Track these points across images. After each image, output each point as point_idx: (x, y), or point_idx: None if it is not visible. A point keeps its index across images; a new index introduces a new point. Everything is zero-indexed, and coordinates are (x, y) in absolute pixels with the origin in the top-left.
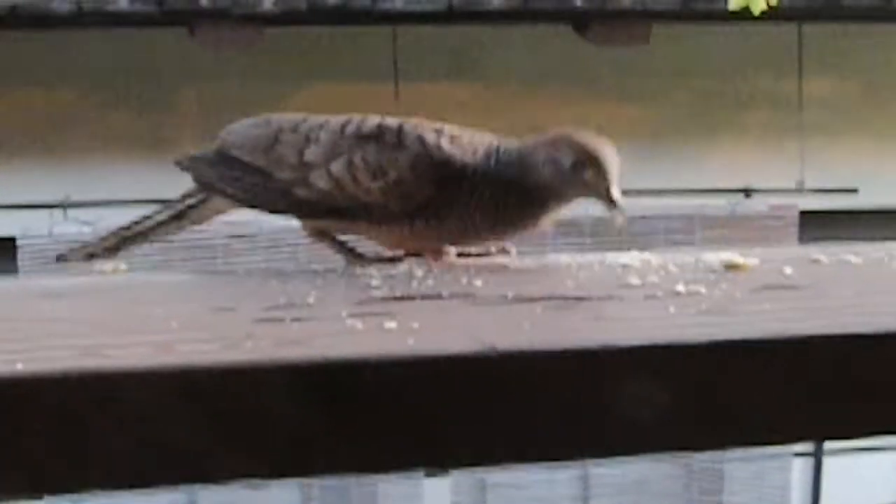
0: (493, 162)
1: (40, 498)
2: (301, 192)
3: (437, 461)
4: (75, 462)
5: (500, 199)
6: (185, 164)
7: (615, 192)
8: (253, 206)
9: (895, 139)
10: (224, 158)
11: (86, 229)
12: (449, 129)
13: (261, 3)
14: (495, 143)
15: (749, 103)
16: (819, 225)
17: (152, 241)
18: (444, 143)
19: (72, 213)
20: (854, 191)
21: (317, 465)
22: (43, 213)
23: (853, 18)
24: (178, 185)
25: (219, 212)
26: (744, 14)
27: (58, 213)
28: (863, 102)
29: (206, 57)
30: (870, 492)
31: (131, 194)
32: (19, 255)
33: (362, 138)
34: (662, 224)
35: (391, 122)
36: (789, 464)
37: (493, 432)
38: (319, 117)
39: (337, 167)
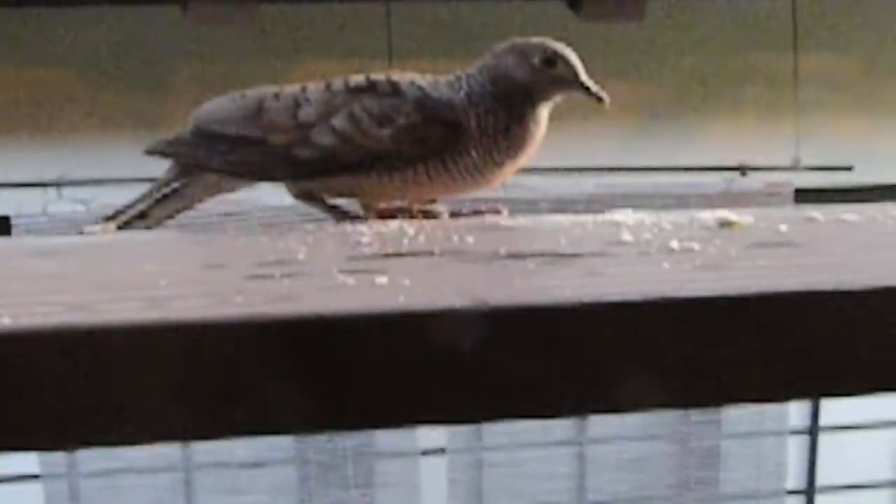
0: (478, 87)
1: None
2: (302, 152)
3: (429, 417)
4: (63, 419)
5: (492, 125)
6: (163, 149)
7: (587, 80)
8: (244, 177)
9: (890, 116)
10: (204, 136)
11: (80, 208)
12: (429, 75)
13: None
14: (466, 70)
15: (744, 80)
16: (814, 202)
17: (140, 227)
18: (438, 84)
19: (66, 191)
20: (849, 168)
21: (307, 420)
22: (37, 192)
23: None
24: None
25: (204, 195)
26: None
27: (52, 191)
28: (859, 79)
29: (200, 35)
30: (866, 469)
31: (126, 173)
32: (13, 234)
33: (355, 91)
34: (657, 202)
35: (376, 75)
36: (785, 441)
37: (485, 387)
38: (295, 85)
39: (339, 121)
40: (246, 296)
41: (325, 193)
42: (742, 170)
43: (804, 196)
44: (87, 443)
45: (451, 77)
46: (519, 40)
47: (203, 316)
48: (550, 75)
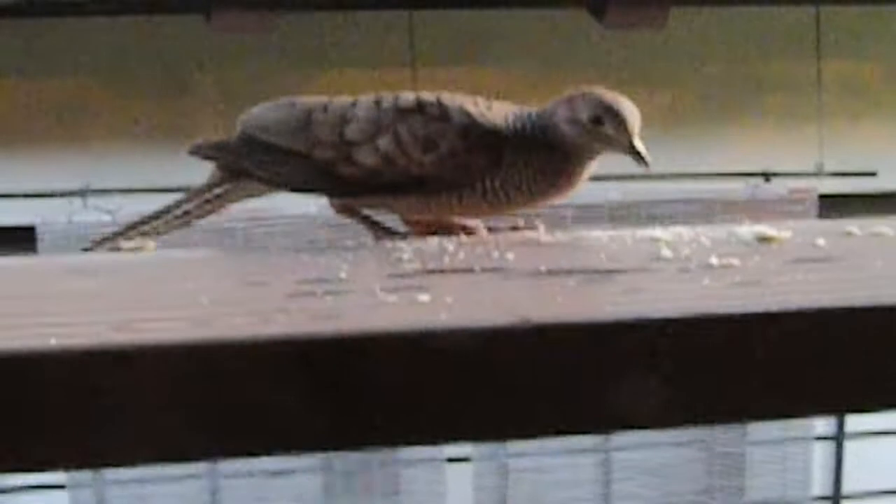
0: (526, 127)
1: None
2: (345, 170)
3: (471, 435)
4: (107, 437)
5: (533, 163)
6: (207, 152)
7: (637, 143)
8: (286, 188)
9: None
10: (250, 143)
11: (105, 217)
12: (482, 100)
13: None
14: (522, 109)
15: (767, 87)
16: (838, 208)
17: (178, 229)
18: (486, 112)
19: (91, 200)
20: (873, 174)
21: (352, 437)
22: (62, 202)
23: (871, 0)
24: (198, 172)
25: (241, 198)
26: None
27: (77, 201)
28: (881, 85)
29: (223, 43)
30: (892, 476)
31: (151, 182)
32: (39, 244)
33: (403, 112)
34: (681, 208)
35: (427, 95)
36: (811, 447)
37: (528, 405)
38: (345, 97)
39: (384, 142)
40: (289, 314)
41: (366, 209)
42: (766, 176)
43: (828, 202)
44: (129, 461)
45: (515, 108)
46: (576, 92)
47: (247, 335)
48: (597, 133)
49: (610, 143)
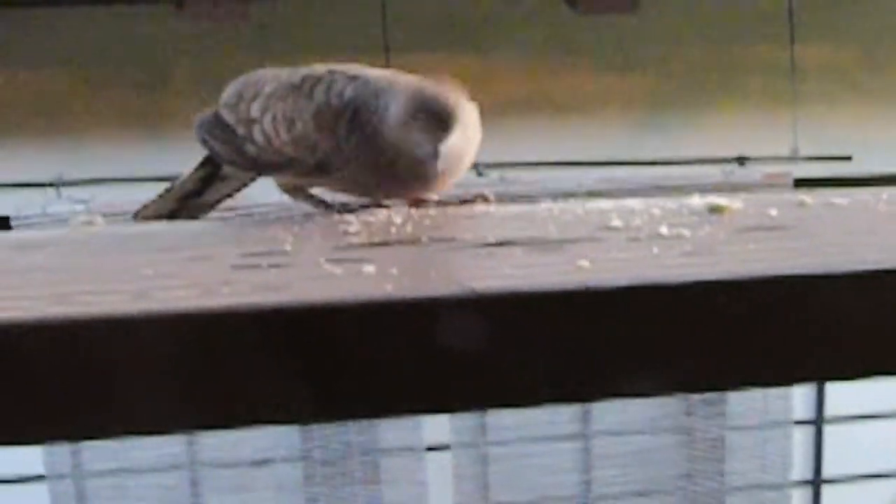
0: (384, 107)
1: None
2: (250, 148)
3: (417, 407)
4: (48, 411)
5: (378, 150)
6: (195, 131)
7: (441, 147)
8: (232, 166)
9: (889, 106)
10: (216, 118)
11: (79, 207)
12: (375, 74)
13: None
14: (395, 85)
15: (742, 71)
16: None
17: (200, 212)
18: (349, 91)
19: (65, 191)
20: (848, 158)
21: (293, 411)
22: (36, 192)
23: None
24: (172, 161)
25: (232, 182)
26: None
27: (51, 191)
28: (856, 69)
29: (196, 32)
30: (871, 460)
31: (125, 172)
32: None
33: (288, 89)
34: (656, 194)
35: (318, 70)
36: (790, 432)
37: (472, 377)
38: (284, 69)
39: (267, 121)
40: (232, 286)
41: (306, 185)
42: (741, 160)
43: (803, 186)
44: (73, 435)
45: (401, 80)
46: (420, 84)
47: (189, 307)
48: (410, 129)
49: (417, 141)
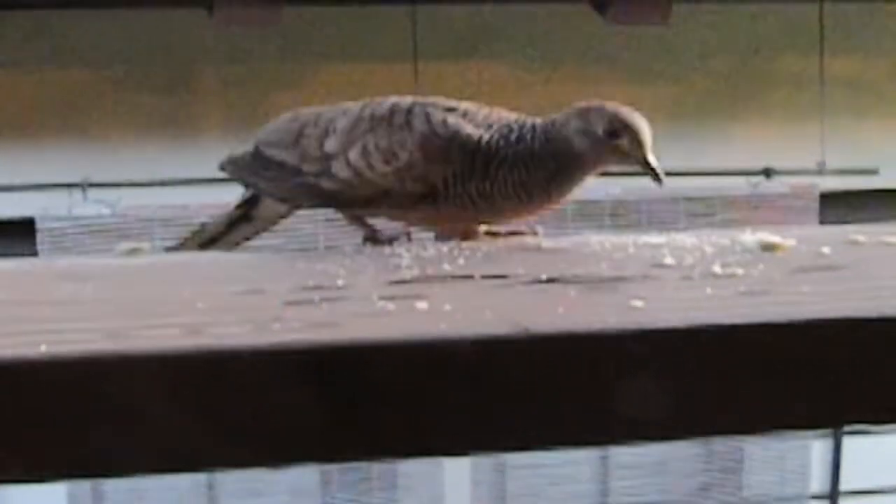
0: (513, 136)
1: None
2: (326, 184)
3: (471, 445)
4: (99, 447)
5: (524, 173)
6: (226, 168)
7: (651, 159)
8: (288, 202)
9: None
10: (259, 157)
11: (105, 210)
12: (465, 106)
13: None
14: (517, 118)
15: (770, 83)
16: (839, 206)
17: (228, 246)
18: (452, 120)
19: (91, 193)
20: (874, 171)
21: (346, 449)
22: (62, 194)
23: None
24: (198, 166)
25: (275, 215)
26: None
27: (77, 193)
28: (884, 82)
29: (225, 37)
30: (890, 473)
31: (151, 175)
32: (38, 236)
33: (376, 122)
34: (683, 206)
35: (404, 102)
36: (809, 444)
37: (527, 416)
38: (341, 106)
39: (354, 155)
40: (284, 322)
41: (371, 217)
42: (767, 173)
43: (829, 199)
44: (124, 471)
45: (508, 117)
46: (588, 105)
47: (241, 343)
48: (612, 147)
49: (625, 158)
